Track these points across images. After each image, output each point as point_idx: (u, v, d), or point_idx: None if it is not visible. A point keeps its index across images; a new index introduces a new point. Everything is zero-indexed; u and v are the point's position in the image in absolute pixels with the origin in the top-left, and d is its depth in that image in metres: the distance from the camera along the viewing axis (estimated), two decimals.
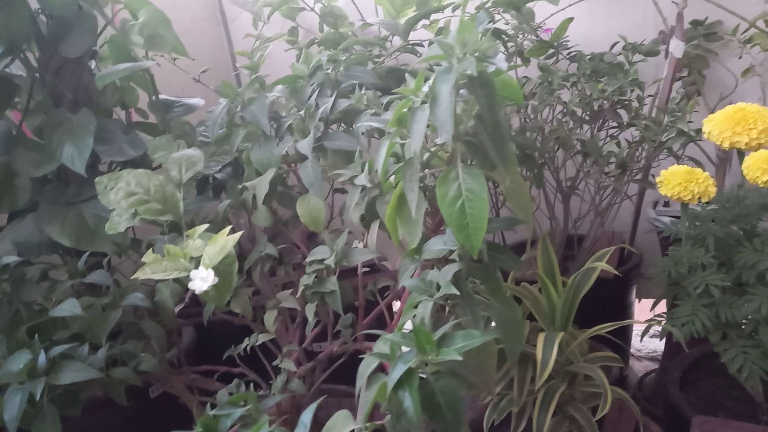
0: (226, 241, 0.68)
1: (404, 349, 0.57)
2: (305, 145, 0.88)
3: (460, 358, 0.51)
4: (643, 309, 1.37)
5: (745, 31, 1.12)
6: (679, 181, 0.77)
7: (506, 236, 1.44)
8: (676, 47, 1.11)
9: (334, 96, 0.97)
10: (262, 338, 0.87)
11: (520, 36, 1.20)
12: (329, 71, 1.00)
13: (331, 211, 1.39)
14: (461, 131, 0.67)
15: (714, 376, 1.04)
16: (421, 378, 0.57)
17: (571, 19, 1.12)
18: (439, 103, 0.57)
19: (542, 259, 0.85)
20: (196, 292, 0.68)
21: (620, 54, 1.22)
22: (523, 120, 1.07)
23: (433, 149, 0.73)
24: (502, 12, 1.18)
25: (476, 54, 0.60)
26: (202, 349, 1.26)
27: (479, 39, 0.58)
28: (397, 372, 0.54)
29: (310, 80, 1.03)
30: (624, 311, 1.41)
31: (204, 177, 1.13)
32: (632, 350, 1.69)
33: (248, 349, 0.92)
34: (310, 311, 0.80)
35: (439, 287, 0.67)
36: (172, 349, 1.06)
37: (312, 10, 1.47)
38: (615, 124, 1.06)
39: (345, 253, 0.80)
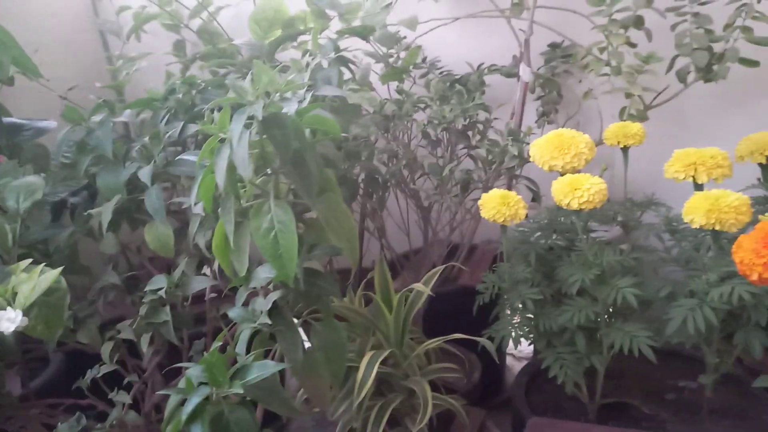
0: (39, 280, 0.67)
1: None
2: (145, 173, 0.88)
3: (242, 391, 0.54)
4: None
5: (583, 57, 1.22)
6: (494, 204, 0.83)
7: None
8: (524, 72, 1.20)
9: (184, 121, 0.97)
10: (104, 369, 0.86)
11: (391, 59, 1.25)
12: (180, 95, 1.00)
13: None
14: (277, 166, 0.70)
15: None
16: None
17: (419, 47, 1.18)
18: (235, 143, 0.59)
19: (379, 281, 0.89)
20: (5, 333, 0.66)
21: (485, 74, 1.30)
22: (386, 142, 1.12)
23: (257, 182, 0.75)
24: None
25: (276, 95, 0.62)
26: (74, 376, 1.22)
27: (277, 80, 0.61)
28: (189, 405, 0.56)
29: (165, 103, 1.03)
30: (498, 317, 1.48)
31: (61, 202, 1.09)
32: (514, 351, 1.78)
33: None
34: (144, 342, 0.80)
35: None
36: (32, 381, 1.02)
37: (187, 26, 1.46)
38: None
39: (181, 283, 0.81)
